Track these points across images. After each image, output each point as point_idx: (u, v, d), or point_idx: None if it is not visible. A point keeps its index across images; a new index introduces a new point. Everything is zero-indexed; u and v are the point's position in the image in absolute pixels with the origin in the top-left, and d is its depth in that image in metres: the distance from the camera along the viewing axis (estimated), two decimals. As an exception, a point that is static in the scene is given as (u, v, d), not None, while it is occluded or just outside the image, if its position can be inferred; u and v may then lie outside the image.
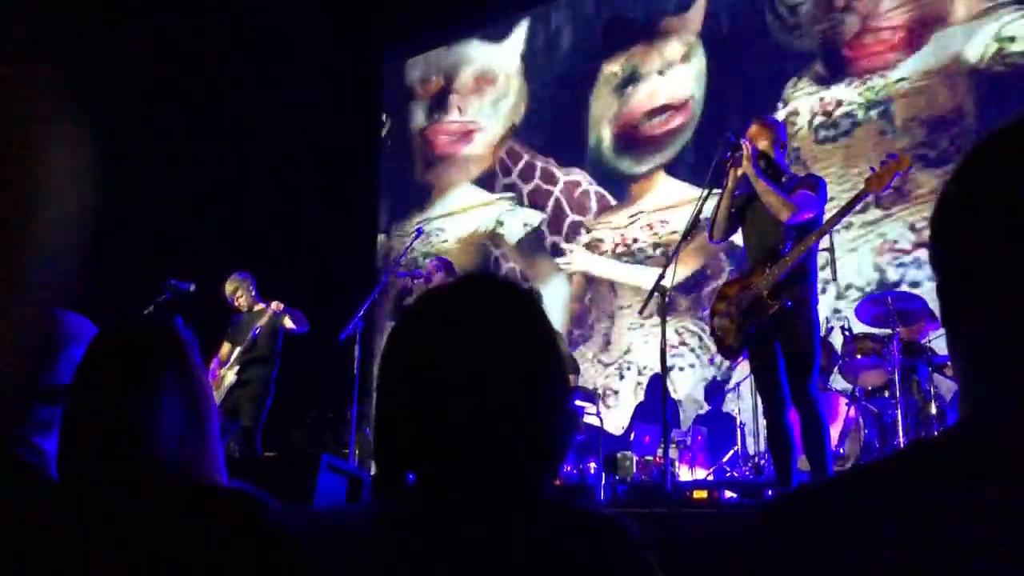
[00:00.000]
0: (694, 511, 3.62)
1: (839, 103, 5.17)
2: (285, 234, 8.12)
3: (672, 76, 6.29)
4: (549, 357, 1.04)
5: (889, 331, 4.65)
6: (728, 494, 4.25)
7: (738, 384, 5.72)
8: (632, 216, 6.30)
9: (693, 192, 5.86)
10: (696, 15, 6.29)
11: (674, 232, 6.11)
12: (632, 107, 6.42)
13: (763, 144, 3.83)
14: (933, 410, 4.60)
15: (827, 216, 3.72)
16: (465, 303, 1.05)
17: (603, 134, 6.52)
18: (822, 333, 4.99)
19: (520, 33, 6.91)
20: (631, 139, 6.42)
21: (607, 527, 0.97)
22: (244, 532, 1.15)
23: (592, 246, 6.35)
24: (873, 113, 4.95)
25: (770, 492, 3.89)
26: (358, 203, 8.98)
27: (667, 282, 3.87)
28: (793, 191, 3.70)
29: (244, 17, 7.48)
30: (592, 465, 5.56)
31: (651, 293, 3.95)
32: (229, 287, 5.90)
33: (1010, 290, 0.65)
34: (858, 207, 3.65)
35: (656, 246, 6.14)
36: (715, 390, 6.34)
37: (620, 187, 6.46)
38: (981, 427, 0.67)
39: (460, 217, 6.91)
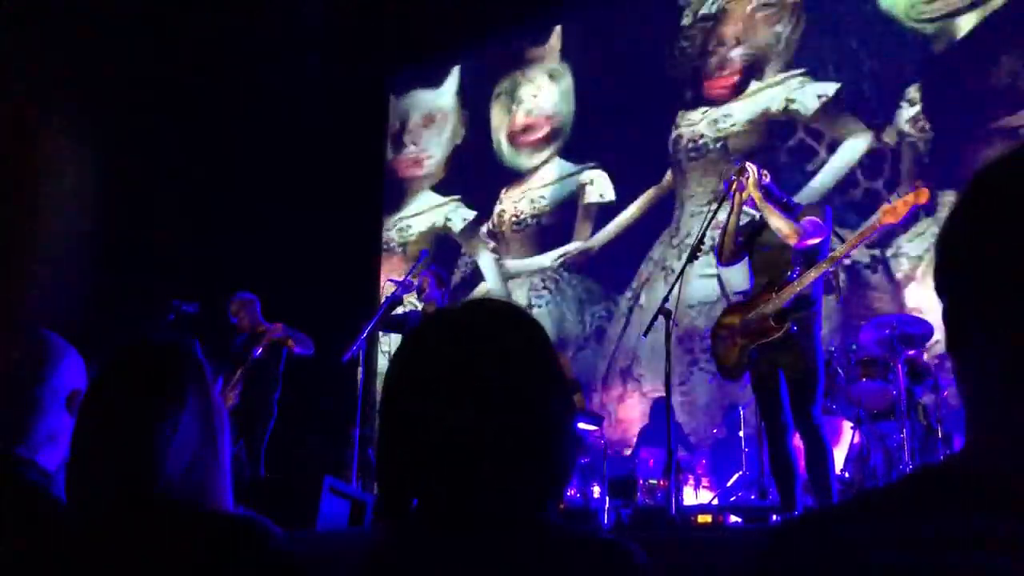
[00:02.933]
0: (698, 535, 3.59)
1: (702, 136, 7.16)
2: (288, 256, 8.13)
3: (542, 94, 8.41)
4: (552, 381, 1.04)
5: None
6: (733, 518, 4.22)
7: (743, 407, 5.70)
8: (524, 192, 8.32)
9: (575, 168, 7.99)
10: (554, 45, 8.43)
11: (547, 205, 8.10)
12: (516, 121, 8.53)
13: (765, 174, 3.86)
14: (939, 434, 4.58)
15: (836, 244, 3.74)
16: (469, 328, 1.05)
17: (501, 139, 8.65)
18: (825, 357, 4.98)
19: (453, 77, 9.17)
20: (521, 144, 8.49)
21: (612, 553, 0.96)
22: (248, 560, 1.15)
23: (500, 215, 8.40)
24: (717, 145, 7.04)
25: (775, 517, 3.86)
26: (362, 224, 9.03)
27: (672, 303, 3.87)
28: (799, 217, 3.72)
29: (249, 40, 7.55)
30: (596, 488, 5.53)
31: (655, 315, 3.95)
32: (232, 308, 5.91)
33: (1017, 317, 0.65)
34: (874, 236, 3.67)
35: (533, 216, 8.18)
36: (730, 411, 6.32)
37: (521, 171, 8.49)
38: (989, 455, 0.67)
39: (421, 216, 9.03)
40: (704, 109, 7.19)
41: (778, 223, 3.68)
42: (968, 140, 5.95)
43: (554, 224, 8.02)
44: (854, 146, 6.42)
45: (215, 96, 7.65)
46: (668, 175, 7.36)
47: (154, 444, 1.20)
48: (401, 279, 5.59)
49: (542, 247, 8.04)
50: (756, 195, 3.77)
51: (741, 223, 3.98)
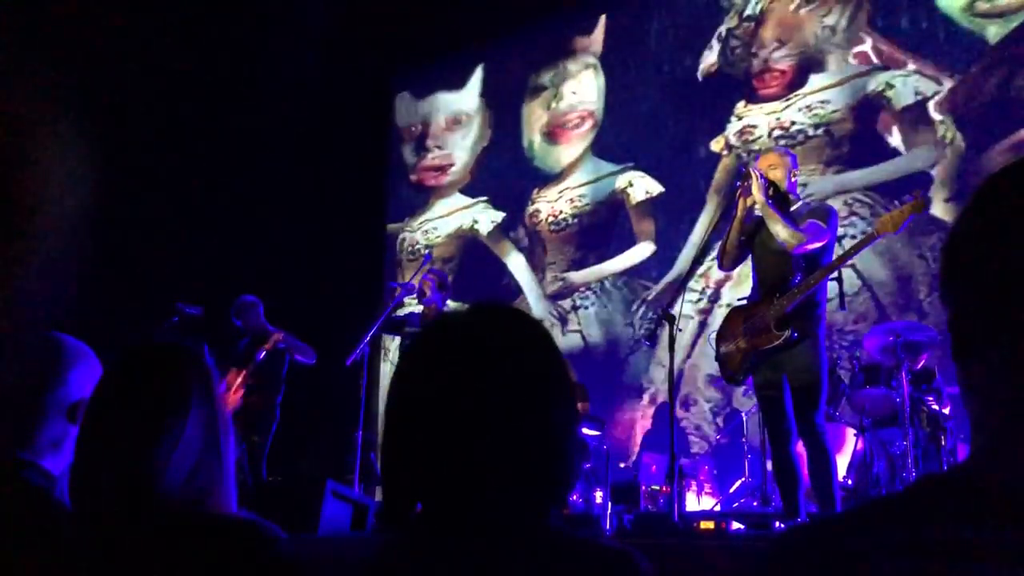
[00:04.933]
0: (701, 542, 3.58)
1: (793, 123, 6.94)
2: (292, 258, 8.14)
3: (583, 87, 8.34)
4: (558, 386, 1.04)
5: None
6: (735, 525, 4.20)
7: (746, 413, 5.69)
8: (561, 192, 8.22)
9: (611, 168, 7.93)
10: (597, 37, 8.31)
11: (587, 204, 8.00)
12: (557, 113, 8.45)
13: (775, 174, 3.84)
14: (942, 442, 4.57)
15: (837, 250, 3.73)
16: (475, 332, 1.05)
17: (534, 138, 8.57)
18: (829, 364, 4.98)
19: (477, 77, 9.11)
20: (559, 138, 8.40)
21: (616, 560, 0.96)
22: (251, 563, 1.15)
23: (533, 215, 8.35)
24: (819, 131, 6.80)
25: (778, 524, 3.85)
26: (366, 226, 9.04)
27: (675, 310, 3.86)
28: (802, 220, 3.70)
29: (254, 38, 7.56)
30: (598, 494, 5.51)
31: (659, 321, 3.95)
32: (236, 311, 5.92)
33: (1021, 326, 0.65)
34: (871, 246, 3.69)
35: (574, 216, 8.08)
36: (730, 418, 6.31)
37: (553, 171, 8.40)
38: (994, 464, 0.66)
39: (448, 218, 9.00)
40: (788, 98, 7.03)
41: (779, 229, 3.66)
42: (999, 150, 5.89)
43: (597, 223, 7.91)
44: (920, 157, 6.23)
45: (220, 96, 7.66)
46: (722, 168, 7.20)
47: (157, 448, 1.20)
48: (404, 282, 5.63)
49: (586, 247, 7.93)
50: (760, 200, 3.75)
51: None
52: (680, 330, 3.85)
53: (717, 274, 6.91)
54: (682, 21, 7.78)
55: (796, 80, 6.97)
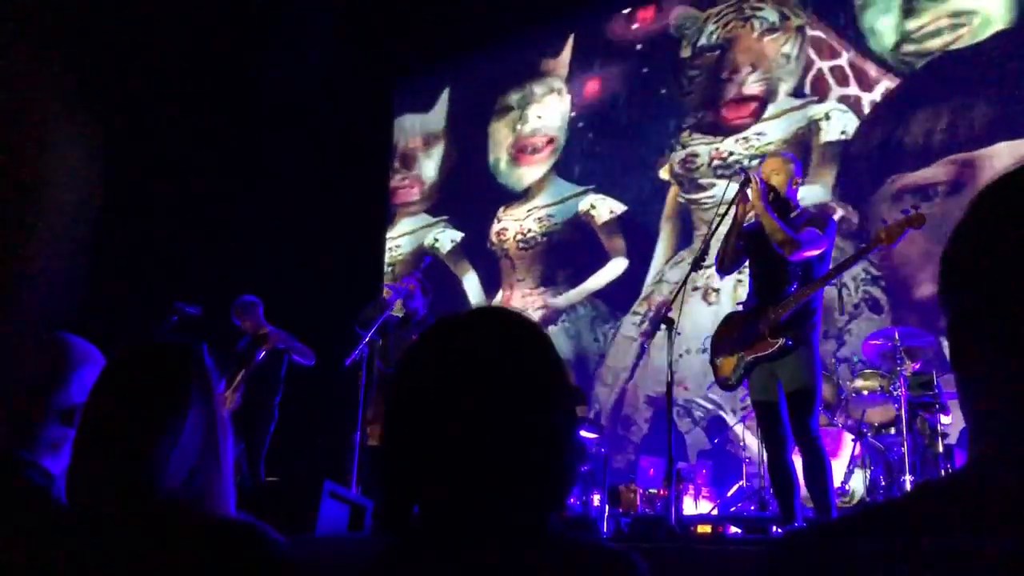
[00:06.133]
0: (698, 546, 3.58)
1: (731, 153, 7.08)
2: (292, 258, 8.14)
3: (548, 111, 8.49)
4: (556, 389, 1.04)
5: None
6: (733, 529, 4.20)
7: (743, 418, 5.69)
8: (528, 211, 8.37)
9: (574, 189, 8.06)
10: (564, 59, 8.46)
11: (557, 224, 8.10)
12: (523, 134, 8.60)
13: (777, 179, 3.83)
14: (940, 448, 4.57)
15: (833, 261, 3.74)
16: (474, 335, 1.05)
17: (500, 156, 8.71)
18: (829, 371, 4.97)
19: (443, 100, 9.28)
20: (522, 160, 8.57)
21: (615, 562, 0.96)
22: (248, 566, 1.15)
23: (500, 233, 8.46)
24: (755, 162, 6.66)
25: (775, 528, 3.85)
26: (366, 228, 9.04)
27: (674, 313, 3.86)
28: (801, 227, 3.70)
29: (255, 43, 7.57)
30: (596, 497, 5.51)
31: (657, 324, 3.96)
32: (236, 311, 5.92)
33: (1020, 333, 0.65)
34: (870, 256, 3.70)
35: (543, 235, 8.20)
36: (719, 425, 6.31)
37: (518, 191, 8.54)
38: (992, 471, 0.66)
39: (411, 236, 9.18)
40: (724, 131, 7.16)
41: (777, 234, 3.66)
42: (877, 197, 6.12)
43: (566, 242, 8.00)
44: (811, 192, 6.38)
45: (223, 98, 7.66)
46: (671, 197, 7.34)
47: (156, 448, 1.20)
48: (396, 285, 5.69)
49: (554, 266, 8.04)
50: (759, 206, 3.75)
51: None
52: (679, 333, 3.85)
53: (658, 298, 7.11)
54: (644, 49, 7.91)
55: (763, 108, 7.07)
